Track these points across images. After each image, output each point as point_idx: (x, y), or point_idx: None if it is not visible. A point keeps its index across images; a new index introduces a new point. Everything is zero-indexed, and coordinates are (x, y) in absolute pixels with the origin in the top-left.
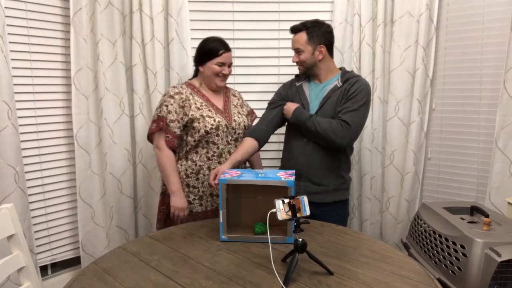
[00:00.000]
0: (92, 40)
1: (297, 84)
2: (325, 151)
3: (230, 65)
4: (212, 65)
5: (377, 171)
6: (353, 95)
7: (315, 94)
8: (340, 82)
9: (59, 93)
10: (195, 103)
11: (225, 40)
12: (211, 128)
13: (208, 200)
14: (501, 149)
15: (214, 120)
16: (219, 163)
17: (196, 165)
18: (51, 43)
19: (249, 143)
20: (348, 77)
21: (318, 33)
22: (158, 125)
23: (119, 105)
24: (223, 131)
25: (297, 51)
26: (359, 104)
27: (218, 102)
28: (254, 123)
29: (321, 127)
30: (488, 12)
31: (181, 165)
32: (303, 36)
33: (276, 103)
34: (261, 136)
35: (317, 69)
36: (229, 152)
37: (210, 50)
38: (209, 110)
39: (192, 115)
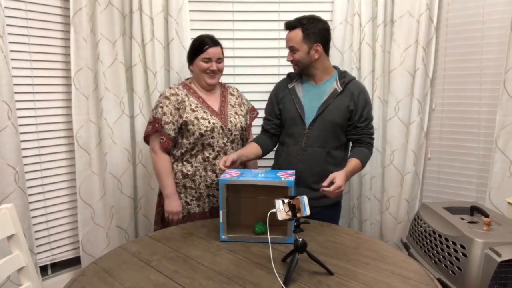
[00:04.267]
0: (92, 40)
1: (290, 86)
2: (324, 157)
3: (219, 60)
4: (199, 62)
5: (377, 171)
6: (364, 110)
7: (310, 96)
8: (339, 86)
9: (59, 93)
10: (190, 105)
11: (214, 36)
12: (206, 131)
13: (206, 201)
14: (501, 149)
15: (209, 122)
16: (215, 165)
17: (192, 166)
18: (51, 43)
19: (255, 147)
20: (347, 80)
21: (315, 30)
22: (154, 127)
23: (119, 105)
24: (218, 133)
25: (292, 49)
26: (370, 113)
27: (214, 102)
28: (259, 121)
29: (365, 163)
30: (488, 12)
31: (177, 166)
32: (298, 33)
33: (272, 115)
34: (265, 145)
35: (313, 69)
36: (225, 154)
37: (196, 46)
38: (204, 112)
39: (186, 117)
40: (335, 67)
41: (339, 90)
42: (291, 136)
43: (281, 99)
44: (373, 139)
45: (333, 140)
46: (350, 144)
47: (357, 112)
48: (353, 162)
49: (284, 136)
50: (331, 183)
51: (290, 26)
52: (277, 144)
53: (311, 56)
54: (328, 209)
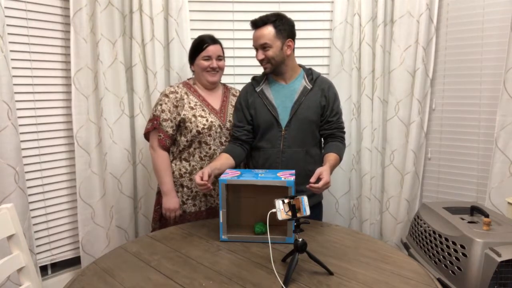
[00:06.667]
0: (92, 40)
1: (258, 89)
2: (304, 157)
3: (219, 58)
4: (199, 61)
5: (377, 171)
6: (334, 104)
7: (281, 97)
8: (309, 83)
9: (59, 93)
10: (189, 103)
11: (213, 36)
12: (203, 128)
13: (202, 200)
14: (501, 149)
15: (207, 120)
16: None
17: (189, 165)
18: (51, 43)
19: (227, 157)
20: (315, 77)
21: (285, 26)
22: (152, 124)
23: (119, 105)
24: (216, 132)
25: (264, 47)
26: (340, 107)
27: (215, 101)
28: None
29: (342, 157)
30: (488, 12)
31: (175, 165)
32: (270, 30)
33: (243, 121)
34: (237, 155)
35: (284, 66)
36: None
37: (195, 46)
38: (203, 110)
39: (184, 114)
40: (300, 66)
41: (309, 87)
42: (267, 140)
43: (252, 103)
44: (344, 133)
45: (310, 138)
46: (323, 140)
47: (328, 107)
48: (333, 157)
49: (259, 141)
50: (319, 179)
51: (260, 23)
52: (251, 150)
53: (284, 52)
54: (311, 211)
